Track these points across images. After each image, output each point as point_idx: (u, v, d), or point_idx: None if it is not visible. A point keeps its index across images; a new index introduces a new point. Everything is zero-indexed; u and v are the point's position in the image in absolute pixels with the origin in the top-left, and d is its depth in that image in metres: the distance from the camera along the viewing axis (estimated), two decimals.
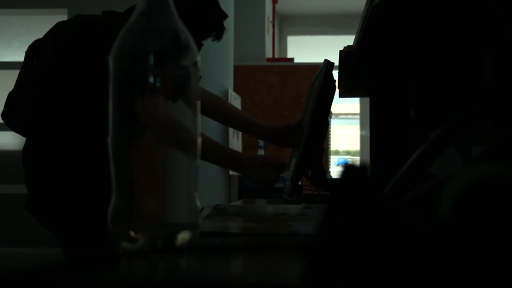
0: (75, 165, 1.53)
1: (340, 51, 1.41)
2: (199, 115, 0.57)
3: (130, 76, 0.54)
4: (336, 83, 1.48)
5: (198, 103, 0.57)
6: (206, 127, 3.46)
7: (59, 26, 1.56)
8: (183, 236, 0.54)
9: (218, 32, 1.62)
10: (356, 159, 8.44)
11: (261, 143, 4.25)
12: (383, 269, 0.29)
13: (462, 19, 0.93)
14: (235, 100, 3.80)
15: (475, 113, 0.54)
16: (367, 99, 1.62)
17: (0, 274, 0.40)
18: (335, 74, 1.47)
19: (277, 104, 4.61)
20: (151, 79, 0.53)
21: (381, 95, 1.52)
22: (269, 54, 5.41)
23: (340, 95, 1.81)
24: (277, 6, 6.04)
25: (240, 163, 1.59)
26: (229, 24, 3.57)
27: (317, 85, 1.49)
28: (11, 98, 1.53)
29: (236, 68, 4.03)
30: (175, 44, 0.56)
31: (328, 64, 1.47)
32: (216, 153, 1.59)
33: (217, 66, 3.33)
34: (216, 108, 1.81)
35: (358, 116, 6.69)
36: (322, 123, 1.47)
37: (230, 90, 3.61)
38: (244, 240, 0.68)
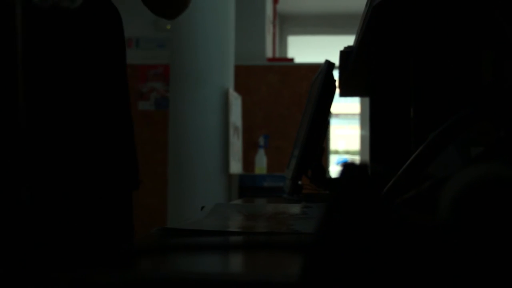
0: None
1: (340, 51, 1.41)
2: None
3: None
4: (336, 83, 1.48)
5: None
6: (206, 126, 3.47)
7: None
8: None
9: None
10: (356, 159, 8.45)
11: (261, 142, 4.25)
12: (381, 268, 0.29)
13: (462, 20, 0.93)
14: (236, 100, 3.80)
15: (474, 113, 0.54)
16: (367, 99, 1.62)
17: (0, 274, 0.40)
18: (335, 74, 1.47)
19: (277, 104, 4.61)
20: None
21: (381, 95, 1.52)
22: (269, 54, 5.41)
23: (340, 95, 1.81)
24: (277, 6, 6.04)
25: None
26: (230, 24, 3.57)
27: (317, 85, 1.49)
28: None
29: (237, 68, 4.03)
30: None
31: (329, 64, 1.47)
32: None
33: (217, 65, 3.33)
34: None
35: (358, 116, 6.69)
36: (322, 123, 1.47)
37: (231, 90, 3.62)
38: (244, 239, 0.68)
